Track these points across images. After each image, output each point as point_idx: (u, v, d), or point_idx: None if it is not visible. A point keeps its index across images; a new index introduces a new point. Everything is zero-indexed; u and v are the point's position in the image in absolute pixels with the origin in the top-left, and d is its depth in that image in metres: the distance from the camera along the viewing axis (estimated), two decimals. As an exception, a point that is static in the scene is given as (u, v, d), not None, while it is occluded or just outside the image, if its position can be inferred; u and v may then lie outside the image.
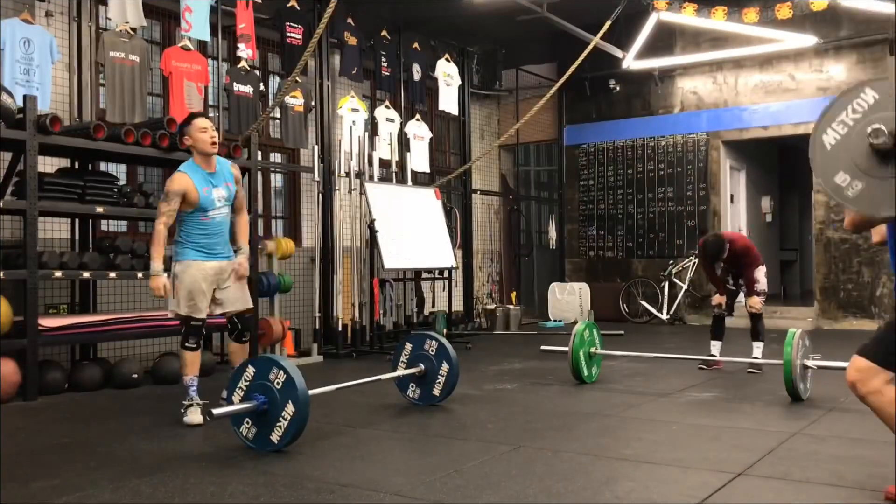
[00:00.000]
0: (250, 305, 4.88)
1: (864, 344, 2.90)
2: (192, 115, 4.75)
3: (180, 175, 4.54)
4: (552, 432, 4.24)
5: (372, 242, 8.05)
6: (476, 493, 3.10)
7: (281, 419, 3.74)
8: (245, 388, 3.85)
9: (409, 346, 5.04)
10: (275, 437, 3.76)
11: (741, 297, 6.68)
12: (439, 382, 4.93)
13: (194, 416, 4.47)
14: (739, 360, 6.33)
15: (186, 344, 4.61)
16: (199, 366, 4.68)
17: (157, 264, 4.51)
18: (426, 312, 9.62)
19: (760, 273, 6.39)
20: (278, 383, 3.77)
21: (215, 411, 3.73)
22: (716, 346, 6.54)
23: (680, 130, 11.32)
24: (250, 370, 3.86)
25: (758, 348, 6.37)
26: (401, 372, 5.00)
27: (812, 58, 10.31)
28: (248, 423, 3.84)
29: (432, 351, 4.95)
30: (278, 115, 8.18)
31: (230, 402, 3.88)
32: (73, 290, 6.50)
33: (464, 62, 10.67)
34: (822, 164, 2.59)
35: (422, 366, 4.95)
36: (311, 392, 3.86)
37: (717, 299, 6.62)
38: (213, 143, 4.59)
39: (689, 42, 11.01)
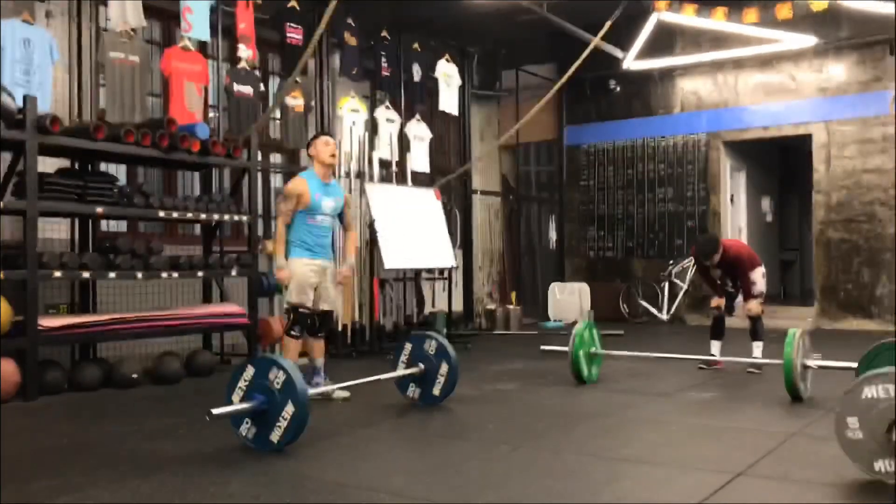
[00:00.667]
0: (338, 310, 5.55)
1: None
2: (321, 132, 5.68)
3: (298, 179, 5.29)
4: (552, 432, 4.24)
5: (372, 242, 8.05)
6: (476, 493, 3.10)
7: (281, 419, 3.74)
8: (245, 389, 3.84)
9: (408, 346, 5.04)
10: (274, 437, 3.76)
11: (740, 297, 6.68)
12: (439, 382, 4.93)
13: (338, 392, 5.11)
14: (739, 360, 6.33)
15: (292, 332, 5.22)
16: (298, 354, 5.27)
17: (281, 259, 5.18)
18: (426, 312, 9.61)
19: (758, 275, 6.40)
20: (278, 383, 3.77)
21: (215, 411, 3.73)
22: (716, 346, 6.55)
23: (680, 131, 11.31)
24: (249, 370, 3.86)
25: (757, 348, 6.38)
26: (400, 372, 5.00)
27: (812, 58, 10.30)
28: (247, 423, 3.84)
29: (432, 351, 4.95)
30: (278, 115, 8.17)
31: (230, 402, 3.88)
32: (73, 290, 6.50)
33: (464, 62, 10.66)
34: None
35: (422, 366, 4.95)
36: (310, 392, 3.86)
37: (716, 302, 6.66)
38: (332, 156, 5.35)
39: (689, 42, 11.00)
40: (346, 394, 5.16)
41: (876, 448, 2.92)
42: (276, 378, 3.78)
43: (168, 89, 7.01)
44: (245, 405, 3.79)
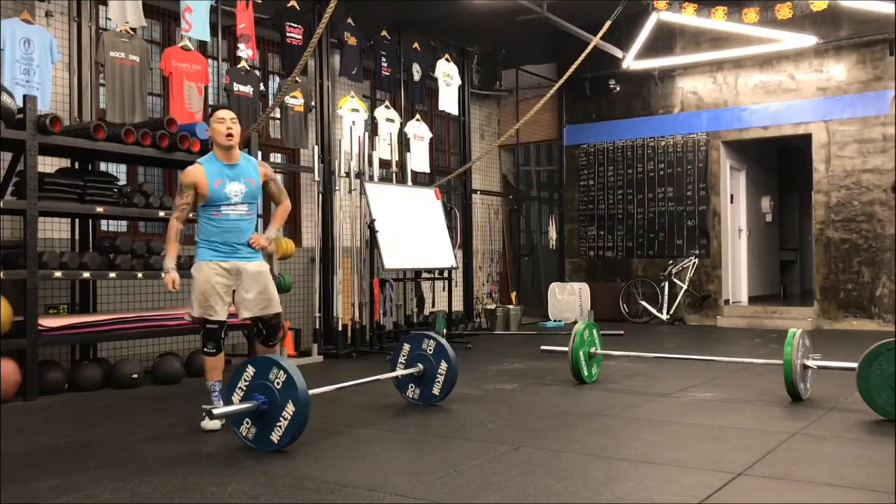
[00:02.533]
0: (276, 310, 4.61)
1: None
2: (214, 108, 4.59)
3: (193, 167, 4.43)
4: (552, 432, 4.24)
5: (372, 242, 8.06)
6: (476, 493, 3.10)
7: (281, 419, 3.74)
8: (245, 388, 3.84)
9: (406, 346, 5.04)
10: (275, 436, 3.76)
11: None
12: (438, 382, 4.93)
13: (211, 422, 4.28)
14: (739, 361, 6.33)
15: (205, 349, 4.52)
16: (223, 370, 4.57)
17: (168, 261, 4.44)
18: (426, 312, 9.62)
19: None
20: (278, 383, 3.77)
21: (215, 411, 3.73)
22: None
23: (680, 130, 11.32)
24: (250, 370, 3.86)
25: None
26: (399, 372, 5.00)
27: (812, 58, 10.31)
28: (247, 423, 3.84)
29: (430, 350, 4.94)
30: (278, 115, 8.18)
31: (230, 402, 3.88)
32: (73, 290, 6.50)
33: (464, 62, 10.67)
34: None
35: (420, 366, 4.95)
36: (310, 392, 3.86)
37: None
38: (229, 136, 4.42)
39: (689, 42, 11.01)
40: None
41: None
42: (277, 378, 3.78)
43: (168, 89, 7.02)
44: (245, 405, 3.79)
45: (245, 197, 4.50)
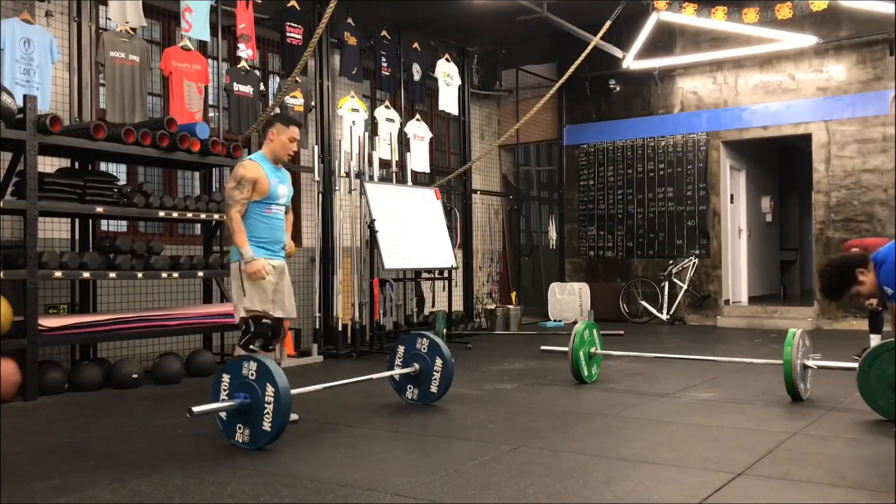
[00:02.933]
0: (294, 315, 4.73)
1: None
2: (290, 119, 4.68)
3: (252, 163, 4.47)
4: (552, 432, 4.24)
5: (372, 242, 8.06)
6: (476, 493, 3.10)
7: (266, 405, 3.78)
8: (227, 391, 3.90)
9: (401, 348, 5.07)
10: (266, 425, 3.79)
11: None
12: (435, 379, 4.94)
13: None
14: (739, 361, 6.33)
15: (251, 347, 4.43)
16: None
17: (248, 249, 4.37)
18: (426, 312, 9.62)
19: None
20: (252, 374, 3.83)
21: (195, 409, 3.73)
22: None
23: (680, 130, 11.32)
24: (225, 378, 3.91)
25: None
26: (396, 372, 5.01)
27: (812, 58, 10.31)
28: (240, 428, 3.87)
29: (424, 349, 4.97)
30: (278, 115, 8.17)
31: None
32: (73, 290, 6.50)
33: (464, 62, 10.67)
34: None
35: (416, 365, 4.97)
36: (306, 389, 3.87)
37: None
38: (291, 156, 4.66)
39: (689, 42, 11.01)
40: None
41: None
42: (250, 370, 3.84)
43: (168, 89, 7.02)
44: (227, 403, 3.84)
45: (286, 200, 4.67)
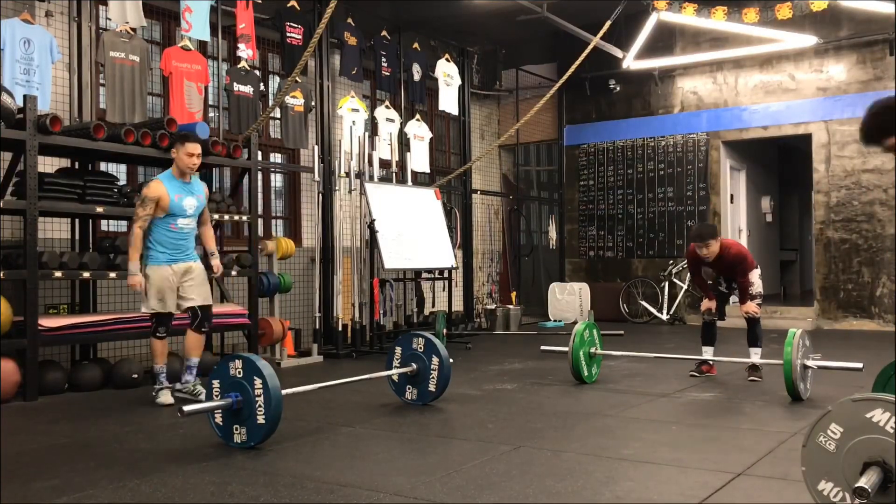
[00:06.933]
0: (210, 302, 5.32)
1: None
2: (187, 137, 5.27)
3: (156, 182, 5.10)
4: (552, 432, 4.24)
5: (372, 242, 8.06)
6: (476, 493, 3.10)
7: (256, 399, 3.80)
8: (218, 393, 3.92)
9: (398, 349, 5.09)
10: (261, 419, 3.81)
11: (734, 297, 6.46)
12: (433, 378, 4.95)
13: (165, 397, 5.16)
14: (739, 361, 6.32)
15: (157, 334, 5.25)
16: (167, 355, 5.32)
17: (134, 265, 5.07)
18: (426, 312, 9.62)
19: (755, 276, 6.11)
20: (240, 372, 3.87)
21: (186, 408, 3.73)
22: (708, 352, 6.24)
23: (680, 130, 11.32)
24: (215, 384, 3.94)
25: (755, 354, 6.02)
26: (394, 371, 5.02)
27: (812, 58, 10.31)
28: (237, 429, 3.88)
29: (420, 349, 4.98)
30: (278, 115, 8.18)
31: (213, 419, 3.97)
32: (73, 290, 6.50)
33: (464, 62, 10.67)
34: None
35: (414, 365, 4.97)
36: (306, 389, 3.86)
37: (707, 304, 6.30)
38: (193, 168, 5.19)
39: (689, 42, 11.02)
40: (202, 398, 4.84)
41: (837, 470, 2.40)
42: (237, 368, 3.88)
43: (168, 89, 7.02)
44: (218, 402, 3.86)
45: (195, 210, 5.26)
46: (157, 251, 5.11)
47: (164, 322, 5.25)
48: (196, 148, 5.18)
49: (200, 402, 4.28)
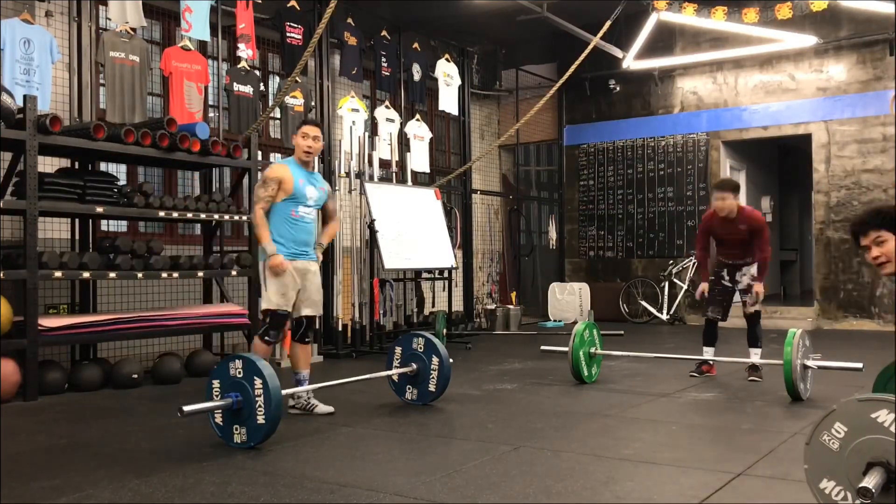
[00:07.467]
0: (321, 312, 5.05)
1: None
2: (304, 121, 4.93)
3: (279, 164, 4.77)
4: (552, 432, 4.24)
5: (372, 242, 8.06)
6: (476, 493, 3.10)
7: (256, 399, 3.80)
8: (218, 393, 3.94)
9: (398, 349, 5.09)
10: (261, 419, 3.81)
11: (736, 297, 6.41)
12: (433, 378, 4.95)
13: (321, 407, 4.75)
14: (739, 361, 6.32)
15: (266, 337, 4.70)
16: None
17: (270, 245, 4.62)
18: (426, 312, 9.62)
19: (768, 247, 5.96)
20: (240, 372, 3.87)
21: (186, 408, 3.74)
22: (708, 352, 6.21)
23: (680, 130, 11.33)
24: (215, 384, 3.95)
25: (755, 355, 5.99)
26: (394, 371, 5.02)
27: (812, 58, 10.31)
28: (237, 429, 3.88)
29: (420, 348, 4.98)
30: (278, 115, 8.18)
31: (213, 419, 3.96)
32: (73, 290, 6.50)
33: (464, 62, 10.67)
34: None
35: (414, 365, 4.98)
36: (306, 389, 3.86)
37: (703, 288, 6.18)
38: (307, 153, 4.78)
39: (689, 42, 11.02)
40: (329, 409, 4.75)
41: (840, 469, 2.40)
42: (237, 369, 3.88)
43: (168, 89, 7.02)
44: (218, 402, 3.88)
45: (316, 202, 4.87)
46: (278, 243, 4.66)
47: (278, 324, 4.68)
48: (312, 130, 4.78)
49: (315, 414, 4.40)
